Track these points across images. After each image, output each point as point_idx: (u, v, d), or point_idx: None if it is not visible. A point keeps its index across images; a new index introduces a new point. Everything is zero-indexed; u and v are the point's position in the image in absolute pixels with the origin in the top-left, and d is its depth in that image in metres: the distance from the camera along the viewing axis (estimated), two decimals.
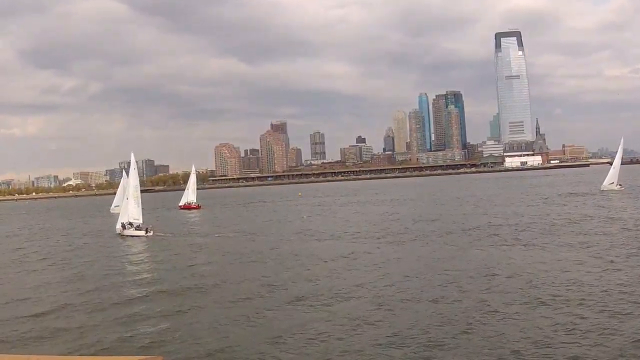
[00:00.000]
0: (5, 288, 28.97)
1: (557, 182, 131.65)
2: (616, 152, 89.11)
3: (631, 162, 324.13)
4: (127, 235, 52.25)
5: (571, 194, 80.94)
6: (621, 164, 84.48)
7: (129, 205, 54.03)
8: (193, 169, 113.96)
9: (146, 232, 51.74)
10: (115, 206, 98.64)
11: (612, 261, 26.55)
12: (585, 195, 76.13)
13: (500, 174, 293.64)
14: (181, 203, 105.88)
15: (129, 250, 44.65)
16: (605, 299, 19.61)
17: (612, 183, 78.90)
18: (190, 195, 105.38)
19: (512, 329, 17.01)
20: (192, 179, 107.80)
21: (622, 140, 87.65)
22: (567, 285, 22.18)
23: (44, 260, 41.19)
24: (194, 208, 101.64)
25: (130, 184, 55.90)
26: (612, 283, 21.99)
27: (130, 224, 53.27)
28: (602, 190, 77.86)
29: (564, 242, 33.93)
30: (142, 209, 55.20)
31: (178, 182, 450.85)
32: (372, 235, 43.95)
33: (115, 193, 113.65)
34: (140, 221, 53.34)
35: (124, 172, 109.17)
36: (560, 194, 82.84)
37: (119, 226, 54.68)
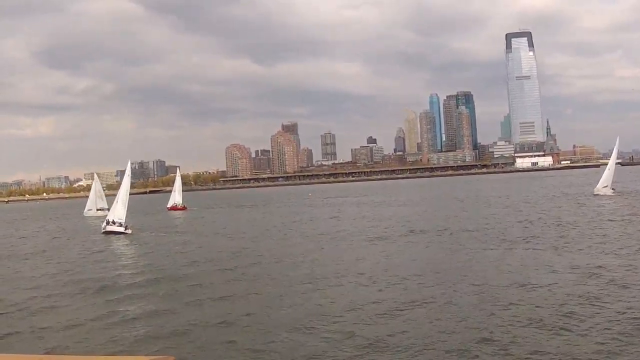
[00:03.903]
0: (7, 289, 29.14)
1: (557, 183, 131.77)
2: (626, 152, 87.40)
3: None
4: (109, 231, 57.20)
5: (555, 196, 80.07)
6: (632, 165, 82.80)
7: (117, 206, 58.39)
8: (178, 172, 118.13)
9: (125, 229, 56.57)
10: (88, 210, 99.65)
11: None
12: (572, 199, 74.24)
13: (511, 175, 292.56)
14: (169, 205, 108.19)
15: (116, 249, 46.92)
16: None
17: (606, 186, 75.47)
18: (176, 197, 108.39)
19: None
20: (178, 182, 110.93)
21: (617, 140, 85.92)
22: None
23: (37, 257, 42.55)
24: (180, 209, 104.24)
25: (122, 188, 60.38)
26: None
27: (114, 221, 57.81)
28: (596, 194, 74.45)
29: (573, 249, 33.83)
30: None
31: (188, 183, 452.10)
32: (388, 237, 43.70)
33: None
34: (123, 220, 57.42)
35: (95, 176, 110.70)
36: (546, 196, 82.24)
37: (104, 224, 59.47)
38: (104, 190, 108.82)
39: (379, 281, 25.67)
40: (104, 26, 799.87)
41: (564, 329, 16.78)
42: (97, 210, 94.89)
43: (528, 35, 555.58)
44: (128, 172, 62.79)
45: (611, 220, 45.06)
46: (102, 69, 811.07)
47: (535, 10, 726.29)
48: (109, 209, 74.79)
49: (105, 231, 57.73)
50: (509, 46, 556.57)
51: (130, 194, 60.90)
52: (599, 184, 76.33)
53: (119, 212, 57.76)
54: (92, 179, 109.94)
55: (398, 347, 16.22)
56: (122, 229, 56.65)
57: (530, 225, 45.11)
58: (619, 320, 17.29)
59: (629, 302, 19.30)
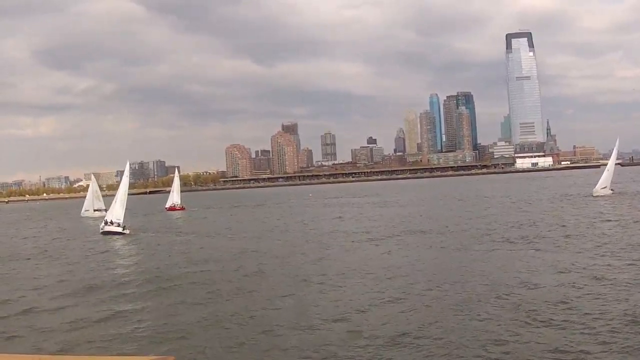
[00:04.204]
0: (10, 289, 29.01)
1: (557, 184, 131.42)
2: (627, 153, 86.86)
3: None
4: (107, 231, 57.71)
5: (555, 197, 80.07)
6: (632, 165, 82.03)
7: (115, 206, 58.98)
8: (176, 172, 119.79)
9: (123, 229, 57.03)
10: (85, 210, 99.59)
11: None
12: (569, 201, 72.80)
13: (511, 175, 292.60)
14: (167, 205, 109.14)
15: (116, 250, 46.94)
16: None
17: (605, 187, 74.61)
18: (174, 197, 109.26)
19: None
20: (176, 182, 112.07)
21: (617, 141, 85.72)
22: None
23: (39, 258, 42.38)
24: (178, 210, 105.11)
25: (121, 189, 60.71)
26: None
27: (112, 222, 58.34)
28: (595, 196, 73.37)
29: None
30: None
31: (189, 183, 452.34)
32: (391, 237, 43.33)
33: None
34: (121, 221, 57.97)
35: (92, 177, 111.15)
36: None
37: (102, 224, 60.09)
38: (104, 190, 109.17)
39: (385, 282, 25.46)
40: (104, 26, 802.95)
41: (575, 330, 16.67)
42: (94, 210, 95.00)
43: (528, 35, 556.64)
44: (126, 173, 63.52)
45: (611, 221, 44.91)
46: (102, 69, 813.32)
47: (535, 11, 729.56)
48: (106, 210, 76.26)
49: (104, 231, 58.21)
50: (509, 46, 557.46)
51: (130, 194, 61.28)
52: (597, 185, 75.55)
53: (117, 212, 58.30)
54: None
55: (406, 349, 16.11)
56: (120, 229, 57.12)
57: (532, 226, 44.84)
58: (626, 320, 17.19)
59: (636, 302, 19.22)
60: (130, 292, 26.37)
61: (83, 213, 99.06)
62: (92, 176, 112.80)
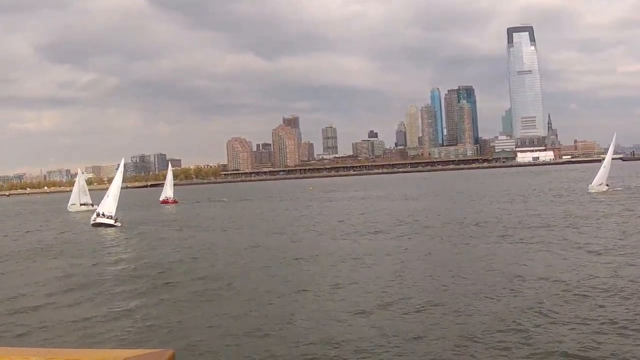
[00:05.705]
0: (6, 284, 29.13)
1: (554, 179, 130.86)
2: (628, 147, 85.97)
3: None
4: (99, 222, 59.39)
5: (553, 192, 79.98)
6: (634, 160, 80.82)
7: (108, 200, 60.82)
8: (169, 166, 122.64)
9: (115, 222, 58.75)
10: (71, 204, 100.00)
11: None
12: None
13: (512, 169, 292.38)
14: (161, 198, 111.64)
15: (110, 243, 47.29)
16: None
17: (601, 184, 73.62)
18: (168, 190, 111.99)
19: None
20: (169, 176, 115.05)
21: (614, 137, 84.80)
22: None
23: (32, 253, 42.08)
24: (171, 203, 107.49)
25: (114, 183, 63.59)
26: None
27: (104, 214, 60.07)
28: (591, 192, 72.39)
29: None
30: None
31: (190, 177, 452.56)
32: (400, 233, 42.97)
33: (127, 187, 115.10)
34: (113, 214, 59.74)
35: (79, 171, 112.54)
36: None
37: (94, 215, 61.64)
38: (105, 183, 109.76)
39: (396, 281, 25.04)
40: (109, 22, 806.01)
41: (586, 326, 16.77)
42: (81, 205, 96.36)
43: (529, 29, 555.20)
44: (121, 168, 66.63)
45: (607, 217, 44.92)
46: (106, 64, 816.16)
47: (538, 7, 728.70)
48: (92, 204, 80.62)
49: (95, 223, 59.78)
50: (510, 41, 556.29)
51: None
52: (593, 182, 74.67)
53: (109, 205, 60.03)
54: (93, 172, 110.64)
55: (416, 352, 16.04)
56: (111, 222, 58.75)
57: (529, 221, 45.00)
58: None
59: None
60: (125, 285, 26.48)
61: (69, 207, 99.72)
62: (79, 170, 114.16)
